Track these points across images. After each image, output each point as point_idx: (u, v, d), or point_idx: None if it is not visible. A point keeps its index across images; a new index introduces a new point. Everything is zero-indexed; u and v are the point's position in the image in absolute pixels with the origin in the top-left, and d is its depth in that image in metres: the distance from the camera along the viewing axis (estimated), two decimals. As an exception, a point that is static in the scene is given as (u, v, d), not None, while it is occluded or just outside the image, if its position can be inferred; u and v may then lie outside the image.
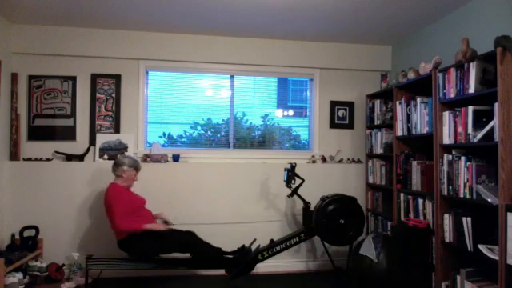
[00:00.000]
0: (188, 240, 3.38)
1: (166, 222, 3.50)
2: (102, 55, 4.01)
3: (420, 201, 3.25)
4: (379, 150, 3.98)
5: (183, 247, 3.34)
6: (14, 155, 3.79)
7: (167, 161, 4.01)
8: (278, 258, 3.86)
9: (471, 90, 2.61)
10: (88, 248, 3.81)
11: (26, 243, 3.57)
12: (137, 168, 3.49)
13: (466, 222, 2.66)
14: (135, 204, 3.41)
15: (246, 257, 3.51)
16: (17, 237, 3.61)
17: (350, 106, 4.44)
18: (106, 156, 3.95)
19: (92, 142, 3.98)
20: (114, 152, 3.98)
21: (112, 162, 3.88)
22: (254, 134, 4.45)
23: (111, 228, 3.38)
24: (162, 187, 3.93)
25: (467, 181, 2.64)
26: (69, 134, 3.95)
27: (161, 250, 3.35)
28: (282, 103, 4.55)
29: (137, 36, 4.05)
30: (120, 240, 3.31)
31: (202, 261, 3.43)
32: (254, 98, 4.43)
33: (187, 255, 3.45)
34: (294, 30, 3.96)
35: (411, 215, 3.36)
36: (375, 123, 4.10)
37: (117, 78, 4.05)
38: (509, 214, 2.27)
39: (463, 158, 2.69)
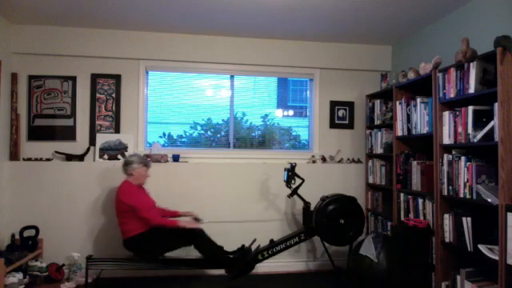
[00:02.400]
0: (196, 233, 3.39)
1: (196, 219, 3.54)
2: (102, 55, 4.01)
3: (420, 201, 3.25)
4: (379, 150, 3.98)
5: (189, 241, 3.38)
6: (14, 155, 3.79)
7: (167, 161, 4.01)
8: (277, 258, 3.86)
9: (471, 90, 2.61)
10: (88, 248, 3.81)
11: (26, 243, 3.57)
12: (146, 164, 3.53)
13: (466, 222, 2.66)
14: (149, 203, 3.47)
15: (246, 257, 3.51)
16: (17, 237, 3.61)
17: (350, 106, 4.44)
18: (105, 156, 3.95)
19: (92, 142, 3.98)
20: (114, 152, 3.98)
21: (112, 161, 3.91)
22: (254, 134, 4.45)
23: (120, 226, 3.38)
24: (161, 187, 3.93)
25: (467, 181, 2.64)
26: (69, 133, 3.95)
27: (168, 247, 3.39)
28: (281, 103, 4.55)
29: (137, 36, 4.05)
30: (128, 238, 3.32)
31: (204, 258, 3.44)
32: (253, 97, 4.43)
33: (188, 255, 3.46)
34: (294, 30, 3.96)
35: (411, 215, 3.36)
36: (375, 123, 4.10)
37: (117, 78, 4.05)
38: (509, 213, 2.27)
39: (463, 158, 2.69)
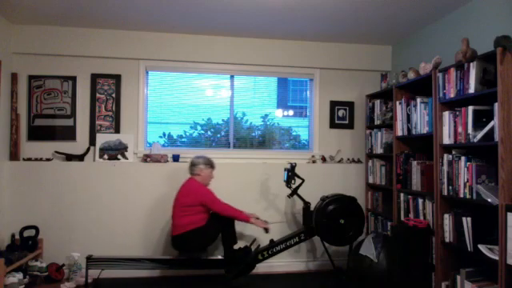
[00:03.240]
0: (227, 222, 3.50)
1: (264, 222, 3.60)
2: (102, 55, 4.01)
3: (420, 201, 3.25)
4: (379, 150, 3.98)
5: (222, 227, 3.49)
6: (14, 155, 3.79)
7: (167, 161, 4.01)
8: (278, 258, 3.86)
9: (471, 90, 2.61)
10: (88, 248, 3.81)
11: (26, 243, 3.57)
12: (212, 166, 3.64)
13: (466, 222, 2.66)
14: None
15: (246, 257, 3.51)
16: (17, 237, 3.61)
17: (350, 106, 4.44)
18: (105, 156, 3.95)
19: (92, 142, 3.98)
20: (114, 152, 3.98)
21: (112, 161, 3.91)
22: (254, 134, 4.45)
23: (177, 220, 3.41)
24: (161, 187, 3.93)
25: (467, 181, 2.64)
26: (69, 134, 3.95)
27: (214, 238, 3.51)
28: (282, 103, 4.55)
29: (137, 36, 4.05)
30: (180, 234, 3.38)
31: (224, 244, 3.53)
32: (254, 97, 4.43)
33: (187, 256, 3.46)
34: (294, 30, 3.96)
35: (411, 215, 3.36)
36: (375, 123, 4.10)
37: (117, 78, 4.05)
38: (509, 213, 2.27)
39: (463, 158, 2.69)
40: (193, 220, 3.40)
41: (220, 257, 3.64)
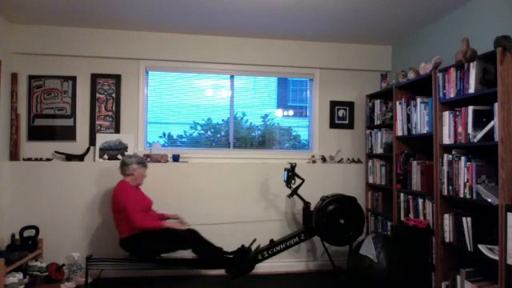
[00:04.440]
0: (191, 237, 3.39)
1: (182, 223, 3.53)
2: (102, 55, 4.01)
3: (420, 201, 3.25)
4: (379, 150, 3.98)
5: (186, 244, 3.36)
6: (14, 155, 3.79)
7: (167, 161, 4.01)
8: (278, 258, 3.86)
9: (471, 90, 2.61)
10: (88, 248, 3.81)
11: (26, 243, 3.57)
12: (145, 165, 3.54)
13: (466, 222, 2.66)
14: (144, 204, 3.44)
15: (246, 257, 3.51)
16: (17, 237, 3.61)
17: (350, 106, 4.44)
18: (105, 156, 3.95)
19: (92, 142, 3.98)
20: (114, 152, 3.98)
21: (112, 161, 3.91)
22: (253, 134, 4.45)
23: (115, 226, 3.38)
24: (161, 187, 3.93)
25: (467, 181, 2.64)
26: (69, 134, 3.95)
27: (164, 249, 3.37)
28: (282, 103, 4.55)
29: (137, 36, 4.05)
30: (123, 238, 3.31)
31: (203, 259, 3.44)
32: (253, 97, 4.43)
33: (187, 255, 3.45)
34: (294, 29, 3.96)
35: (411, 215, 3.36)
36: (375, 123, 4.10)
37: (117, 78, 4.05)
38: (509, 213, 2.27)
39: (463, 158, 2.69)
40: (127, 227, 3.27)
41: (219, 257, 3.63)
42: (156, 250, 3.36)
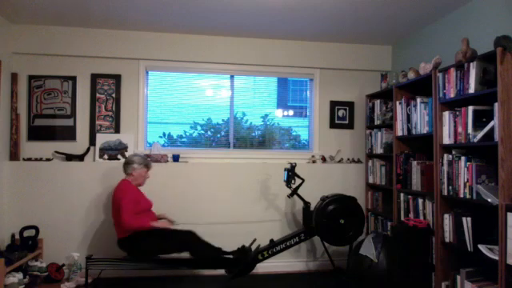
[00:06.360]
0: (187, 239, 3.37)
1: (170, 222, 3.51)
2: (102, 55, 4.01)
3: (420, 201, 3.25)
4: (379, 150, 3.98)
5: (183, 246, 3.35)
6: (13, 155, 3.79)
7: (167, 161, 4.01)
8: (278, 258, 3.86)
9: (471, 90, 2.61)
10: (88, 248, 3.81)
11: (26, 243, 3.57)
12: (147, 165, 3.52)
13: (466, 222, 2.66)
14: (143, 205, 3.42)
15: (246, 257, 3.51)
16: (17, 237, 3.61)
17: (350, 106, 4.44)
18: (106, 156, 3.95)
19: (92, 142, 3.98)
20: (114, 152, 3.98)
21: (112, 161, 3.91)
22: (254, 134, 4.45)
23: (114, 225, 3.38)
24: (161, 187, 3.93)
25: (467, 181, 2.64)
26: (69, 133, 3.95)
27: (161, 250, 3.35)
28: (281, 103, 4.55)
29: (137, 36, 4.05)
30: (121, 238, 3.31)
31: (201, 260, 3.43)
32: (253, 98, 4.43)
33: (187, 255, 3.45)
34: (294, 30, 3.96)
35: (411, 215, 3.36)
36: (375, 123, 4.10)
37: (117, 78, 4.05)
38: (509, 213, 2.27)
39: (463, 158, 2.69)
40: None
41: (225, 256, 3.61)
42: (151, 251, 3.33)
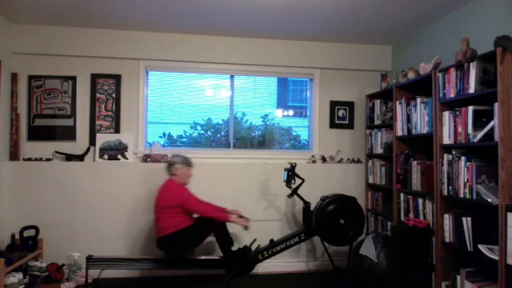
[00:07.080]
0: (219, 224, 3.45)
1: (246, 219, 3.53)
2: (102, 55, 4.01)
3: (420, 201, 3.25)
4: (379, 150, 3.98)
5: (212, 227, 3.44)
6: (13, 155, 3.79)
7: (167, 161, 4.01)
8: (278, 258, 3.86)
9: (471, 90, 2.61)
10: (88, 248, 3.81)
11: (26, 243, 3.57)
12: (189, 164, 3.57)
13: (466, 222, 2.66)
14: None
15: (246, 257, 3.51)
16: (17, 237, 3.61)
17: (350, 106, 4.44)
18: (105, 156, 3.95)
19: (92, 142, 3.98)
20: (114, 152, 3.98)
21: (112, 161, 3.91)
22: (254, 134, 4.45)
23: (158, 224, 3.37)
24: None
25: (467, 181, 2.64)
26: (69, 133, 3.95)
27: (201, 239, 3.46)
28: (281, 103, 4.55)
29: (137, 36, 4.05)
30: (164, 236, 3.34)
31: (220, 245, 3.50)
32: (253, 97, 4.43)
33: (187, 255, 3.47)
34: (294, 30, 3.96)
35: (411, 215, 3.36)
36: (375, 123, 4.10)
37: (117, 78, 4.05)
38: (509, 213, 2.27)
39: (463, 158, 2.69)
40: (174, 222, 3.34)
41: (218, 257, 3.63)
42: (196, 242, 3.44)
